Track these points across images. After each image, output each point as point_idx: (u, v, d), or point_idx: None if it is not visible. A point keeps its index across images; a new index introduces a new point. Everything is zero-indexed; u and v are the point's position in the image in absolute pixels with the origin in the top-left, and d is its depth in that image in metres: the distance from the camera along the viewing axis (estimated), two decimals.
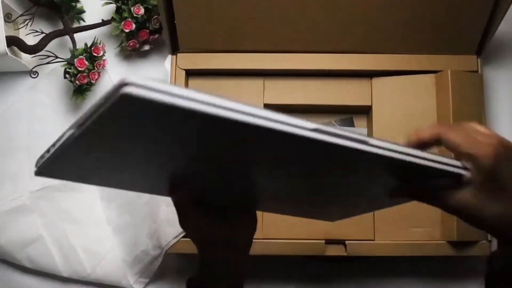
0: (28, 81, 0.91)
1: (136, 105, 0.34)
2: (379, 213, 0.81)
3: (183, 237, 0.80)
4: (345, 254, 0.80)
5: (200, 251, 0.58)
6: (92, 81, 0.86)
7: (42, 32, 0.89)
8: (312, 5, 0.80)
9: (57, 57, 0.88)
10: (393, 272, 0.85)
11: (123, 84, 0.33)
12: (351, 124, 0.89)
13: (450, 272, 0.85)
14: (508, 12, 0.78)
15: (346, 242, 0.80)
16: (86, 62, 0.84)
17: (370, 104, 0.85)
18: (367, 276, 0.86)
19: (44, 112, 0.90)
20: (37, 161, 0.43)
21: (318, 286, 0.86)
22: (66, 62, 0.85)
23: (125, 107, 0.35)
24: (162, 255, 0.83)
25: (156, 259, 0.84)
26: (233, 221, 0.57)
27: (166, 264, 0.85)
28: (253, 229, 0.59)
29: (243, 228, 0.59)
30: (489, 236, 0.80)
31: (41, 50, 0.88)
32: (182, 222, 0.56)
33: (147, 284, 0.85)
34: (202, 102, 0.36)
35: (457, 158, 0.47)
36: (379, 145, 0.44)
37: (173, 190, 0.53)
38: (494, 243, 0.84)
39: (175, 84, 0.83)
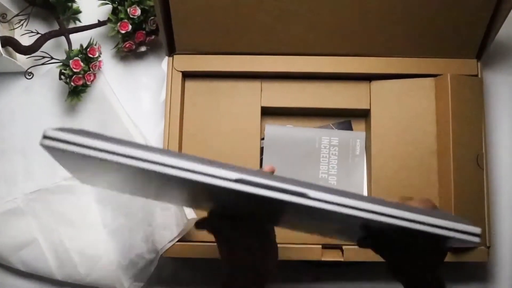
0: (23, 82, 0.90)
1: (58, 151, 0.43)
2: None
3: (179, 241, 0.80)
4: (341, 259, 0.80)
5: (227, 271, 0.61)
6: (88, 83, 0.85)
7: (38, 33, 0.88)
8: (310, 7, 0.79)
9: (52, 58, 0.87)
10: (390, 278, 0.84)
11: (43, 136, 0.44)
12: (349, 128, 0.88)
13: (448, 278, 0.84)
14: (509, 16, 0.78)
15: (343, 247, 0.80)
16: (82, 64, 0.83)
17: (368, 107, 0.85)
18: (363, 282, 0.85)
19: (39, 113, 0.89)
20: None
21: None
22: (61, 63, 0.84)
23: (52, 151, 0.44)
24: (157, 259, 0.83)
25: (151, 263, 0.83)
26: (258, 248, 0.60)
27: (161, 268, 0.84)
28: (275, 257, 0.63)
29: (267, 256, 0.61)
30: (487, 242, 0.79)
31: (36, 50, 0.87)
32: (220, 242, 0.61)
33: (143, 287, 0.84)
34: (109, 152, 0.42)
35: None
36: (319, 198, 0.43)
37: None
38: (493, 249, 0.83)
39: (170, 86, 0.83)
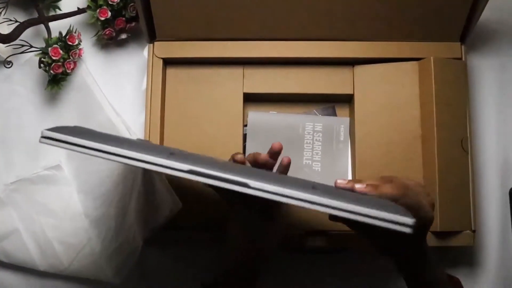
0: (2, 71, 0.89)
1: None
2: None
3: (162, 229, 0.79)
4: (326, 245, 0.79)
5: (228, 251, 0.68)
6: (68, 71, 0.84)
7: (16, 21, 0.86)
8: None
9: (31, 47, 0.86)
10: (375, 263, 0.84)
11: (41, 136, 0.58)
12: (333, 113, 0.87)
13: None
14: None
15: (328, 233, 0.79)
16: (61, 51, 0.82)
17: (352, 92, 0.84)
18: (349, 268, 0.84)
19: (19, 102, 0.88)
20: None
21: (298, 278, 0.85)
22: (40, 51, 0.83)
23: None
24: (139, 248, 0.82)
25: (134, 252, 0.82)
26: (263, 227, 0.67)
27: (144, 257, 0.84)
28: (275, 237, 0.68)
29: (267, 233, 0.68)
30: (472, 225, 0.79)
31: (15, 39, 0.86)
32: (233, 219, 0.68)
33: (125, 277, 0.83)
34: (92, 148, 0.55)
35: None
36: (260, 188, 0.50)
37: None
38: (479, 233, 0.83)
39: (151, 73, 0.82)
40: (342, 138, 0.86)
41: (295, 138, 0.85)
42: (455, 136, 0.80)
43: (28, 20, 0.87)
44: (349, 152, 0.85)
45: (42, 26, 0.87)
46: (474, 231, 0.79)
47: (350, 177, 0.84)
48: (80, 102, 0.87)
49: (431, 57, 0.81)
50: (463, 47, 0.83)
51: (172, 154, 0.55)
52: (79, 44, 0.85)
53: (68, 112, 0.88)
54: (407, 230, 0.49)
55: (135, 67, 0.89)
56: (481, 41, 0.90)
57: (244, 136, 0.85)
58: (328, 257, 0.84)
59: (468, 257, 0.85)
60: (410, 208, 0.56)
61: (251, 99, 0.85)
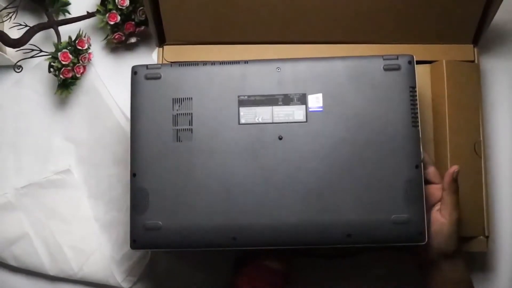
0: (12, 75, 0.89)
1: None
2: None
3: None
4: (334, 250, 0.79)
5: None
6: (77, 75, 0.84)
7: (26, 25, 0.87)
8: None
9: (41, 51, 0.85)
10: (389, 268, 0.83)
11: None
12: None
13: None
14: (504, 1, 0.76)
15: None
16: (71, 56, 0.82)
17: None
18: (361, 272, 0.83)
19: (29, 107, 0.88)
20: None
21: (307, 282, 0.84)
22: (50, 56, 0.83)
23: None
24: (150, 253, 0.82)
25: (145, 257, 0.82)
26: None
27: (154, 262, 0.83)
28: None
29: None
30: (486, 231, 0.78)
31: (25, 43, 0.86)
32: None
33: (135, 282, 0.83)
34: None
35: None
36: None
37: None
38: (492, 239, 0.82)
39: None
40: None
41: None
42: (468, 140, 0.79)
43: (37, 24, 0.87)
44: None
45: (51, 30, 0.87)
46: (487, 237, 0.78)
47: None
48: (90, 106, 0.87)
49: (444, 60, 0.80)
50: (475, 49, 0.82)
51: (234, 238, 0.67)
52: (88, 48, 0.85)
53: (78, 116, 0.88)
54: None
55: None
56: (494, 43, 0.88)
57: None
58: (339, 262, 0.83)
59: (482, 263, 0.84)
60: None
61: None
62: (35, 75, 0.89)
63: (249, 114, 0.70)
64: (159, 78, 0.71)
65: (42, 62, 0.87)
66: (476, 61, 0.82)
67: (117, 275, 0.82)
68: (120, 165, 0.83)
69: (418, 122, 0.69)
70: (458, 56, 0.81)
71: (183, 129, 0.70)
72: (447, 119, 0.78)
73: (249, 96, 0.70)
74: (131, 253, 0.82)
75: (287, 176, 0.68)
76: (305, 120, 0.69)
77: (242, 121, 0.70)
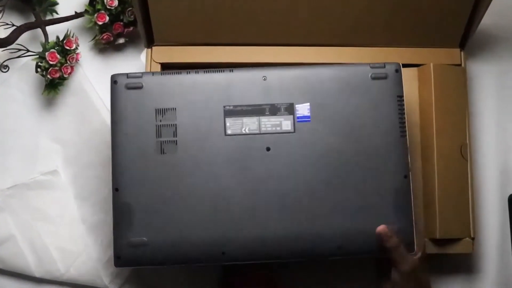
0: None
1: None
2: None
3: None
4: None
5: None
6: (65, 75, 0.84)
7: (13, 25, 0.86)
8: None
9: (28, 51, 0.85)
10: (375, 270, 0.84)
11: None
12: None
13: (433, 270, 0.84)
14: (491, 5, 0.77)
15: None
16: (58, 56, 0.82)
17: None
18: (350, 275, 0.84)
19: (16, 107, 0.88)
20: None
21: (300, 282, 0.84)
22: (37, 56, 0.82)
23: None
24: None
25: None
26: None
27: None
28: None
29: None
30: (472, 233, 0.78)
31: (12, 43, 0.85)
32: None
33: (122, 284, 0.83)
34: None
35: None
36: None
37: None
38: (478, 241, 0.82)
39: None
40: None
41: None
42: (455, 143, 0.80)
43: (25, 24, 0.86)
44: None
45: (39, 30, 0.87)
46: (473, 239, 0.79)
47: None
48: (77, 107, 0.87)
49: (431, 64, 0.80)
50: (462, 53, 0.83)
51: (223, 253, 0.67)
52: (76, 48, 0.85)
53: (65, 117, 0.87)
54: None
55: (132, 71, 0.88)
56: (481, 47, 0.89)
57: None
58: (329, 262, 0.84)
59: (467, 264, 0.85)
60: None
61: None
62: (22, 75, 0.88)
63: (235, 125, 0.69)
64: (140, 87, 0.69)
65: (29, 62, 0.86)
66: (462, 65, 0.83)
67: (104, 277, 0.82)
68: (107, 167, 0.82)
69: (405, 131, 0.70)
70: (445, 60, 0.82)
71: (167, 141, 0.68)
72: (434, 122, 0.79)
73: (235, 106, 0.69)
74: None
75: (275, 188, 0.68)
76: (293, 130, 0.69)
77: (229, 132, 0.69)
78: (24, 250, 0.83)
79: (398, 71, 0.71)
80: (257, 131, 0.69)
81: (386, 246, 0.67)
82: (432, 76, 0.80)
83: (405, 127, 0.70)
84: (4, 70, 0.87)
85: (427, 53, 0.82)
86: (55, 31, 0.85)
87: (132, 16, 0.85)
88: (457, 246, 0.79)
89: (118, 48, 0.89)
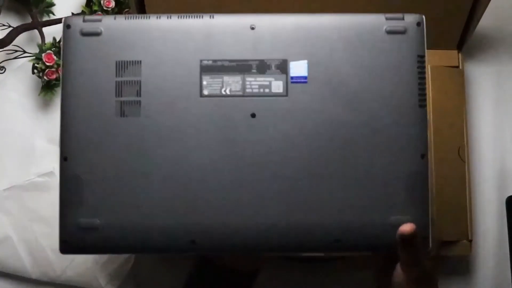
0: None
1: None
2: None
3: None
4: (322, 254, 0.78)
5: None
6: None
7: (10, 26, 0.86)
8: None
9: (25, 52, 0.85)
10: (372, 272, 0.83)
11: None
12: None
13: None
14: (489, 7, 0.76)
15: None
16: (55, 57, 0.82)
17: None
18: (346, 276, 0.84)
19: (12, 108, 0.87)
20: None
21: (293, 286, 0.84)
22: (33, 57, 0.82)
23: None
24: (133, 257, 0.81)
25: (128, 261, 0.82)
26: None
27: (138, 266, 0.83)
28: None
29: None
30: (469, 235, 0.78)
31: (8, 44, 0.85)
32: None
33: (119, 286, 0.83)
34: None
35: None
36: None
37: None
38: (475, 243, 0.82)
39: None
40: None
41: None
42: (452, 144, 0.80)
43: (21, 25, 0.86)
44: None
45: (35, 31, 0.87)
46: (471, 241, 0.79)
47: None
48: None
49: (428, 65, 0.80)
50: (460, 55, 0.83)
51: (193, 242, 0.54)
52: None
53: None
54: None
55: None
56: (478, 49, 0.89)
57: None
58: (324, 266, 0.83)
59: (465, 266, 0.84)
60: None
61: None
62: (19, 77, 0.88)
63: (214, 84, 0.55)
64: (99, 34, 0.56)
65: (25, 63, 0.86)
66: (460, 67, 0.83)
67: (100, 279, 0.82)
68: None
69: (425, 100, 0.57)
70: (442, 62, 0.82)
71: (129, 101, 0.55)
72: (431, 123, 0.79)
73: (214, 61, 0.56)
74: (115, 257, 0.81)
75: (261, 165, 0.55)
76: (285, 93, 0.56)
77: (205, 92, 0.55)
78: (20, 252, 0.82)
79: (420, 24, 0.58)
80: (241, 93, 0.55)
81: (408, 247, 0.54)
82: (430, 77, 0.80)
83: (425, 94, 0.56)
84: (1, 71, 0.87)
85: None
86: (52, 33, 0.85)
87: None
88: (454, 248, 0.79)
89: None
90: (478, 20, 0.79)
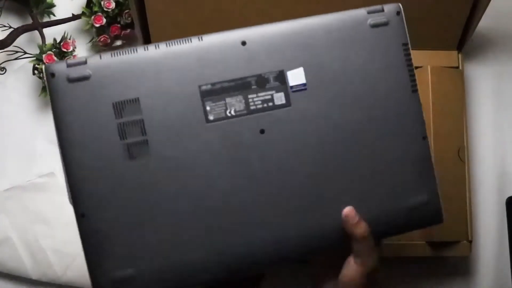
0: None
1: None
2: None
3: None
4: None
5: None
6: None
7: (10, 27, 0.86)
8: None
9: (25, 53, 0.85)
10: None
11: None
12: None
13: (430, 273, 0.84)
14: (489, 7, 0.77)
15: None
16: (55, 58, 0.82)
17: None
18: None
19: (13, 109, 0.87)
20: None
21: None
22: (34, 58, 0.82)
23: None
24: None
25: None
26: None
27: None
28: None
29: None
30: (469, 235, 0.78)
31: (9, 45, 0.85)
32: None
33: None
34: None
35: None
36: None
37: None
38: (475, 243, 0.82)
39: None
40: None
41: None
42: (452, 145, 0.80)
43: (22, 26, 0.86)
44: None
45: (36, 32, 0.87)
46: (470, 241, 0.79)
47: None
48: None
49: (428, 66, 0.80)
50: (460, 55, 0.83)
51: (228, 266, 0.55)
52: (73, 50, 0.84)
53: None
54: None
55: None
56: (478, 49, 0.89)
57: None
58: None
59: (465, 267, 0.84)
60: None
61: None
62: (19, 77, 0.88)
63: (217, 108, 0.54)
64: (87, 78, 0.52)
65: (26, 64, 0.86)
66: (460, 67, 0.83)
67: None
68: None
69: (416, 85, 0.58)
70: (442, 62, 0.82)
71: (136, 142, 0.53)
72: (431, 124, 0.79)
73: (213, 84, 0.54)
74: None
75: (278, 178, 0.54)
76: (288, 103, 0.55)
77: (210, 117, 0.54)
78: (20, 252, 0.82)
79: (399, 13, 0.59)
80: (245, 111, 0.55)
81: (354, 233, 0.54)
82: (430, 78, 0.80)
83: (415, 80, 0.58)
84: (1, 72, 0.87)
85: (425, 55, 0.82)
86: (52, 33, 0.85)
87: (129, 18, 0.85)
88: (454, 249, 0.79)
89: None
90: (478, 21, 0.79)
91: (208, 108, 0.54)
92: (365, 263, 0.55)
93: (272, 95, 0.55)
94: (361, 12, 0.58)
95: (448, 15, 0.79)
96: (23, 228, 0.83)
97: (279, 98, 0.55)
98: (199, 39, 0.55)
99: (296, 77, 0.56)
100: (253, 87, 0.55)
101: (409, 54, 0.58)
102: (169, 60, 0.54)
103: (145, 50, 0.54)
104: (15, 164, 0.86)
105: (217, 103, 0.54)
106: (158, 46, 0.54)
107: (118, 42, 0.88)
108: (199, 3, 0.78)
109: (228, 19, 0.80)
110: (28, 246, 0.83)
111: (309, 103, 0.56)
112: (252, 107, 0.55)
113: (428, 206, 0.58)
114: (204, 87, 0.54)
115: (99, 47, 0.88)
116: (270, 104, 0.55)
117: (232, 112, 0.54)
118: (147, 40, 0.82)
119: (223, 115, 0.54)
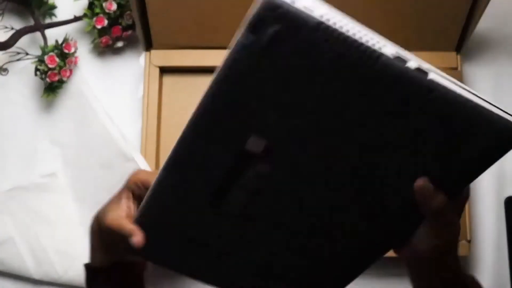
0: None
1: None
2: None
3: None
4: None
5: None
6: (64, 79, 0.84)
7: (13, 28, 0.86)
8: None
9: (27, 54, 0.85)
10: (371, 273, 0.84)
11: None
12: None
13: None
14: (487, 9, 0.77)
15: None
16: (57, 59, 0.82)
17: None
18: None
19: (15, 110, 0.88)
20: None
21: None
22: (36, 59, 0.83)
23: None
24: None
25: None
26: None
27: None
28: None
29: None
30: (468, 235, 0.79)
31: (11, 46, 0.86)
32: None
33: None
34: None
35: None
36: None
37: None
38: (474, 243, 0.83)
39: (148, 81, 0.82)
40: None
41: None
42: None
43: (24, 27, 0.87)
44: None
45: (38, 33, 0.87)
46: (469, 241, 0.79)
47: None
48: (76, 110, 0.87)
49: None
50: (458, 56, 0.84)
51: None
52: (75, 52, 0.85)
53: (64, 120, 0.87)
54: None
55: (131, 75, 0.89)
56: (477, 51, 0.90)
57: None
58: None
59: (464, 267, 0.84)
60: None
61: None
62: (21, 78, 0.89)
63: None
64: None
65: (28, 65, 0.87)
66: (459, 69, 0.83)
67: None
68: (106, 169, 0.83)
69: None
70: (441, 64, 0.82)
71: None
72: None
73: None
74: None
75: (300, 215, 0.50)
76: None
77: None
78: (22, 252, 0.83)
79: None
80: None
81: (431, 207, 0.48)
82: None
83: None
84: (4, 74, 0.88)
85: (423, 57, 0.79)
86: (54, 35, 0.86)
87: (130, 20, 0.86)
88: None
89: (117, 52, 0.90)
90: (477, 22, 0.80)
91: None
92: (445, 235, 0.51)
93: None
94: None
95: (447, 17, 0.80)
96: (25, 228, 0.84)
97: None
98: None
99: None
100: None
101: None
102: None
103: None
104: (17, 164, 0.86)
105: None
106: None
107: (120, 44, 0.88)
108: (199, 4, 0.78)
109: (228, 19, 0.80)
110: (30, 246, 0.83)
111: None
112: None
113: None
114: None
115: (101, 48, 0.89)
116: None
117: None
118: (148, 41, 0.82)
119: None
